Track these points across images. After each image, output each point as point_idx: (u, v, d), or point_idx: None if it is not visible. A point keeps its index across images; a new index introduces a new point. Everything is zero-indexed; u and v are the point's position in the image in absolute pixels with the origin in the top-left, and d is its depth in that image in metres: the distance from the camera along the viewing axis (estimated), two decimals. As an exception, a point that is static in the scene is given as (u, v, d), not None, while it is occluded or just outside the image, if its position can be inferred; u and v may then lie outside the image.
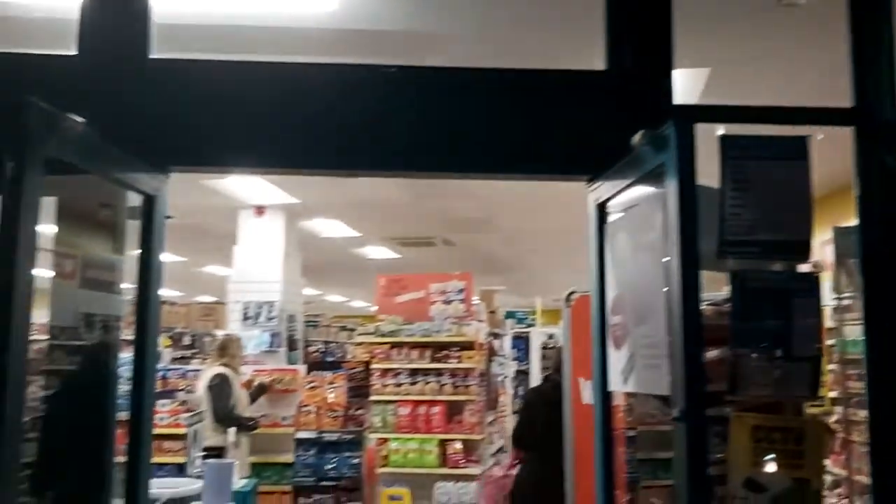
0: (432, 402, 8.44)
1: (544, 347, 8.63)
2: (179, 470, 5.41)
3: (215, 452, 5.64)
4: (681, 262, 2.11)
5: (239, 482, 4.61)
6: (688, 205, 2.14)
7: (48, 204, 2.26)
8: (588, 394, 3.80)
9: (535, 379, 8.41)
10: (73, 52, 2.84)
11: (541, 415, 4.93)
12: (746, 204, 2.40)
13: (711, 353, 2.50)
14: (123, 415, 2.90)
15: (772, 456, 2.36)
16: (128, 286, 3.05)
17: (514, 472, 5.91)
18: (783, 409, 2.49)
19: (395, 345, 8.69)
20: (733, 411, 2.50)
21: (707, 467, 2.10)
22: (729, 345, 2.56)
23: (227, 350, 6.23)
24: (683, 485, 2.06)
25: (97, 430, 2.96)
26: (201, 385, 6.11)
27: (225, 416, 5.81)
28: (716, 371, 2.51)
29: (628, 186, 2.61)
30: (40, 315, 2.43)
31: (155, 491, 3.14)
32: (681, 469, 2.08)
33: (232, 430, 5.86)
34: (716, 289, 2.82)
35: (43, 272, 2.29)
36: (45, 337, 2.86)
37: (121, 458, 2.88)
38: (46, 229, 2.29)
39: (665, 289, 2.24)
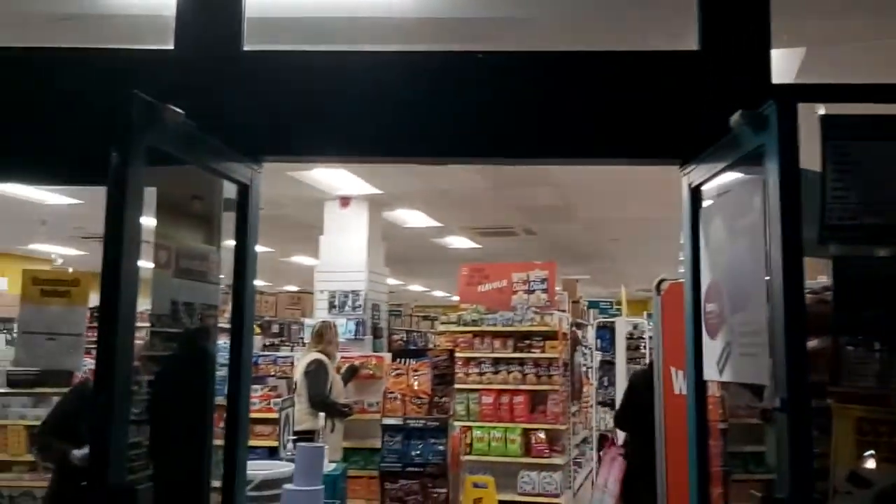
0: (515, 392, 8.42)
1: (629, 338, 8.49)
2: (271, 453, 5.55)
3: (308, 437, 5.76)
4: (784, 246, 2.03)
5: (329, 466, 4.71)
6: (791, 187, 2.05)
7: (147, 195, 2.33)
8: (680, 383, 3.72)
9: (621, 370, 8.28)
10: (169, 46, 2.93)
11: (644, 398, 4.86)
12: (850, 187, 2.30)
13: (811, 343, 2.41)
14: (220, 399, 2.99)
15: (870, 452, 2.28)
16: (223, 277, 3.15)
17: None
18: (889, 400, 2.39)
19: (477, 334, 8.71)
20: (835, 403, 2.41)
21: (812, 458, 2.02)
22: (830, 334, 2.48)
23: (324, 336, 6.32)
24: (786, 477, 1.99)
25: (196, 413, 3.07)
26: (298, 371, 6.22)
27: (320, 402, 5.90)
28: (815, 361, 2.42)
29: (725, 169, 2.53)
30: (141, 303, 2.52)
31: (249, 473, 3.24)
32: (783, 460, 2.01)
33: (322, 416, 5.97)
34: (811, 277, 2.72)
35: (144, 263, 2.37)
36: (146, 324, 2.98)
37: (218, 441, 2.97)
38: (147, 221, 2.37)
39: (765, 275, 2.17)
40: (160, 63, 2.91)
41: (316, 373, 6.01)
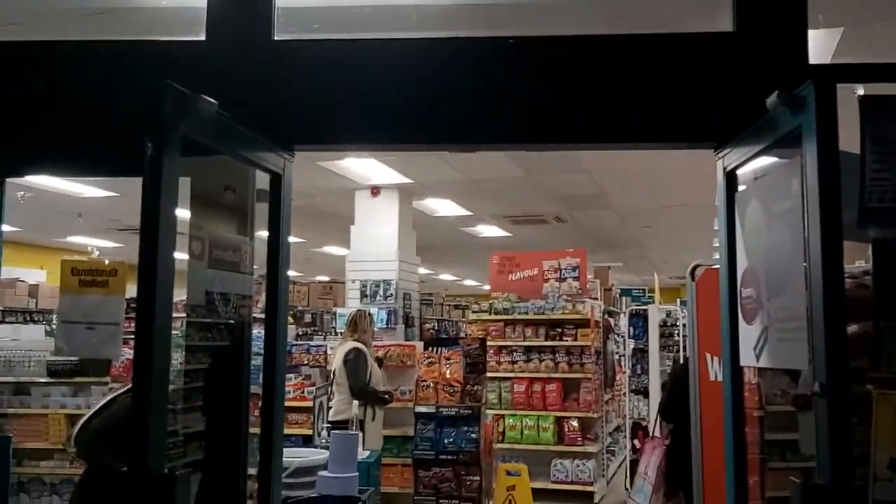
0: (547, 380, 8.41)
1: (662, 325, 8.42)
2: (305, 441, 5.61)
3: (345, 426, 5.80)
4: (823, 229, 2.00)
5: (363, 453, 4.74)
6: (830, 168, 2.01)
7: (182, 186, 2.35)
8: (716, 370, 3.69)
9: (654, 358, 8.22)
10: (201, 37, 2.95)
11: (687, 389, 4.83)
12: (890, 168, 2.25)
13: (851, 328, 2.37)
14: (255, 388, 3.02)
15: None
16: (256, 267, 3.17)
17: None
18: (933, 387, 2.35)
19: (508, 322, 8.71)
20: (876, 389, 2.38)
21: (852, 443, 1.99)
22: (870, 319, 2.44)
23: (358, 325, 6.32)
24: (826, 463, 1.96)
25: (232, 401, 3.10)
26: (336, 360, 6.23)
27: (361, 390, 5.90)
28: (855, 347, 2.38)
29: (761, 152, 2.49)
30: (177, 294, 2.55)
31: (284, 460, 3.27)
32: (823, 446, 1.98)
33: (355, 404, 5.98)
34: (850, 261, 2.67)
35: (179, 254, 2.40)
36: (182, 315, 3.01)
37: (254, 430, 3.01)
38: (181, 212, 2.39)
39: (804, 259, 2.13)
40: (192, 54, 2.93)
41: (356, 361, 6.02)
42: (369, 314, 6.86)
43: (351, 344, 6.15)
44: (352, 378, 5.96)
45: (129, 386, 3.44)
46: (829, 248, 2.00)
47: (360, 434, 5.09)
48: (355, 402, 5.93)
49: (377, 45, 2.95)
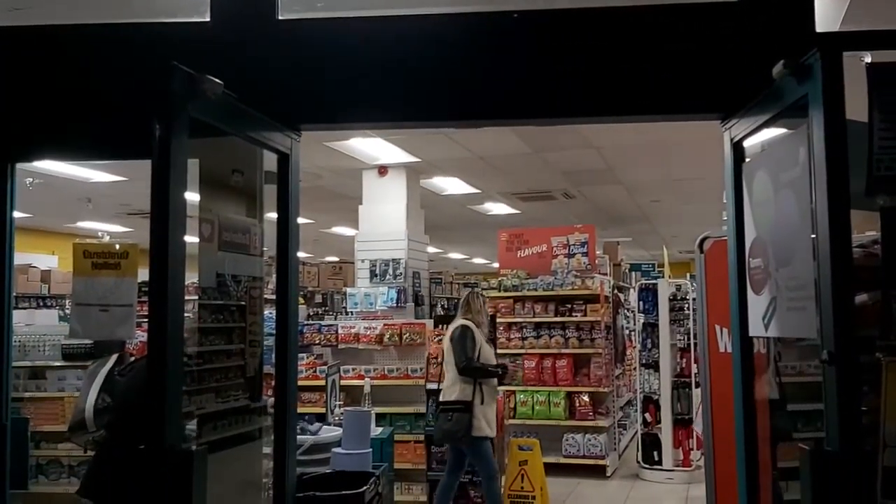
0: (558, 356, 8.43)
1: (672, 299, 8.41)
2: (319, 419, 5.65)
3: (460, 406, 5.54)
4: (830, 197, 2.00)
5: (375, 430, 4.79)
6: (836, 136, 2.01)
7: (190, 169, 2.37)
8: (725, 341, 3.70)
9: (664, 332, 8.23)
10: (206, 18, 2.95)
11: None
12: (899, 136, 2.24)
13: (860, 298, 2.37)
14: (268, 368, 3.05)
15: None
16: (266, 249, 3.19)
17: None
18: (943, 355, 2.34)
19: (518, 299, 8.72)
20: (885, 357, 2.38)
21: (860, 410, 2.01)
22: (880, 287, 2.43)
23: (472, 306, 6.15)
24: (834, 429, 1.97)
25: (244, 381, 3.14)
26: (445, 339, 6.06)
27: (465, 367, 5.69)
28: (865, 316, 2.38)
29: (767, 122, 2.49)
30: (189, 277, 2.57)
31: (298, 437, 3.31)
32: (831, 414, 1.99)
33: (459, 386, 5.71)
34: (860, 231, 2.66)
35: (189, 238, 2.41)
36: (194, 297, 3.04)
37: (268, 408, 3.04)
38: (191, 196, 2.41)
39: (811, 228, 2.13)
40: (197, 35, 2.93)
41: (461, 338, 5.79)
42: (482, 294, 6.65)
43: (460, 321, 5.97)
44: (457, 355, 5.72)
45: (115, 356, 3.43)
46: (837, 217, 2.01)
47: (372, 411, 5.09)
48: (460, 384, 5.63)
49: (382, 22, 2.94)
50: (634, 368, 9.26)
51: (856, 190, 2.15)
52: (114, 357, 3.37)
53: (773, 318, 2.48)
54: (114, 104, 2.86)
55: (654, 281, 9.04)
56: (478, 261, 24.24)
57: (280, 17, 2.93)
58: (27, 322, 7.60)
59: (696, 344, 7.39)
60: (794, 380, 3.77)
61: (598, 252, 9.59)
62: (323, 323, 7.41)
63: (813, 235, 2.11)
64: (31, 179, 8.89)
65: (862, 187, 2.22)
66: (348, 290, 9.51)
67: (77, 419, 3.36)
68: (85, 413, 3.45)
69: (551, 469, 7.28)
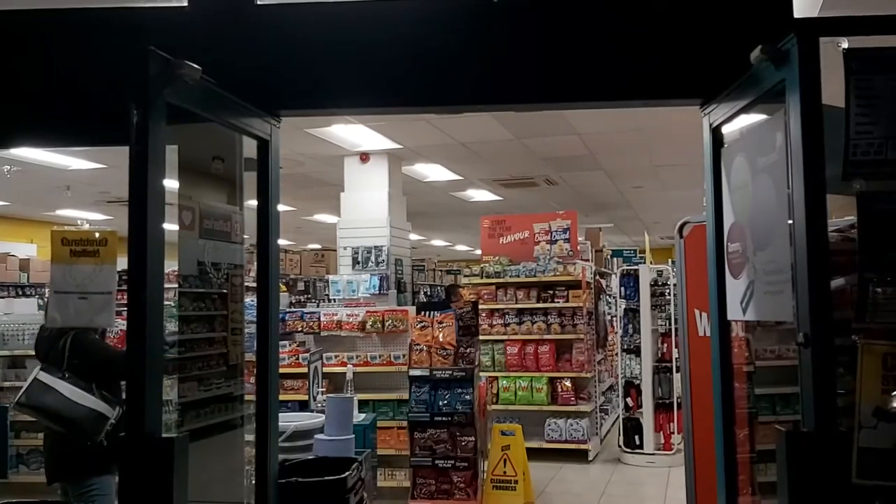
0: (540, 342, 8.48)
1: (653, 285, 8.46)
2: (301, 406, 5.64)
3: None
4: (806, 182, 2.02)
5: (358, 416, 4.79)
6: (813, 121, 2.03)
7: (169, 157, 2.35)
8: (704, 326, 3.73)
9: (646, 317, 8.29)
10: (183, 3, 2.92)
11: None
12: (875, 121, 2.27)
13: (837, 281, 2.40)
14: (250, 356, 3.05)
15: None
16: (247, 237, 3.18)
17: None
18: (916, 337, 2.38)
19: (500, 286, 8.74)
20: (862, 339, 2.41)
21: (835, 391, 2.03)
22: (857, 271, 2.46)
23: None
24: (810, 409, 2.00)
25: (226, 368, 3.13)
26: None
27: None
28: (841, 299, 2.41)
29: (746, 108, 2.50)
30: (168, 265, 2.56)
31: (281, 424, 3.31)
32: (807, 395, 2.02)
33: None
34: (839, 216, 2.69)
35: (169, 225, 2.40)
36: (174, 285, 3.02)
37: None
38: (170, 183, 2.39)
39: (788, 212, 2.16)
40: (174, 20, 2.91)
41: None
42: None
43: None
44: None
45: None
46: (813, 201, 2.03)
47: (356, 397, 5.09)
48: None
49: (361, 7, 2.93)
50: (616, 353, 9.31)
51: (833, 175, 2.18)
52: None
53: (750, 302, 2.51)
54: (91, 90, 2.83)
55: (635, 267, 9.08)
56: (460, 248, 24.26)
57: (258, 2, 2.91)
58: (6, 311, 7.54)
59: (676, 329, 7.46)
60: (773, 363, 3.82)
61: (580, 238, 9.62)
62: (305, 310, 7.39)
63: (790, 220, 2.13)
64: (8, 167, 8.80)
65: (839, 172, 2.24)
66: (331, 277, 9.50)
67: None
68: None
69: (534, 454, 7.32)
